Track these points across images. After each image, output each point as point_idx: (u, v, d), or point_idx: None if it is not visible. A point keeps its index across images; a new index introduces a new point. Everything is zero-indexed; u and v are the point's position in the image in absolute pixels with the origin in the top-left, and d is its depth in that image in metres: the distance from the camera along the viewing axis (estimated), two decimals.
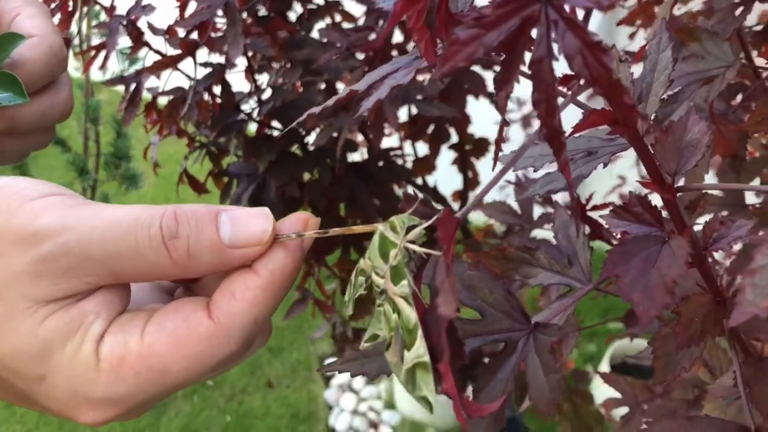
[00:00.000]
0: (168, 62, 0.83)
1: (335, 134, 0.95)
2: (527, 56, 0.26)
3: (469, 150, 1.18)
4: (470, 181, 1.20)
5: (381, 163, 1.07)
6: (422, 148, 1.23)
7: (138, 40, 0.90)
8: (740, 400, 0.46)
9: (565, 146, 0.23)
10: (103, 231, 0.33)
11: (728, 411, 0.47)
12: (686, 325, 0.37)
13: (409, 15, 0.30)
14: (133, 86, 0.90)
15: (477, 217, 1.52)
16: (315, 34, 1.32)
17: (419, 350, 0.27)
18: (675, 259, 0.32)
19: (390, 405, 2.10)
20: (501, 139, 0.26)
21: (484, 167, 1.29)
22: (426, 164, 1.18)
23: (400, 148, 1.21)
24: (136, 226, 0.34)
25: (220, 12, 0.84)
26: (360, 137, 1.18)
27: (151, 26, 0.92)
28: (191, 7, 0.88)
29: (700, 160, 0.31)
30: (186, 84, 0.98)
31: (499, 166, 0.28)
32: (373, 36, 1.01)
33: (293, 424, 2.08)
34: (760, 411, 0.38)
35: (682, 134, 0.32)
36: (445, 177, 1.25)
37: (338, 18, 1.28)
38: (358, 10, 1.31)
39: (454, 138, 1.17)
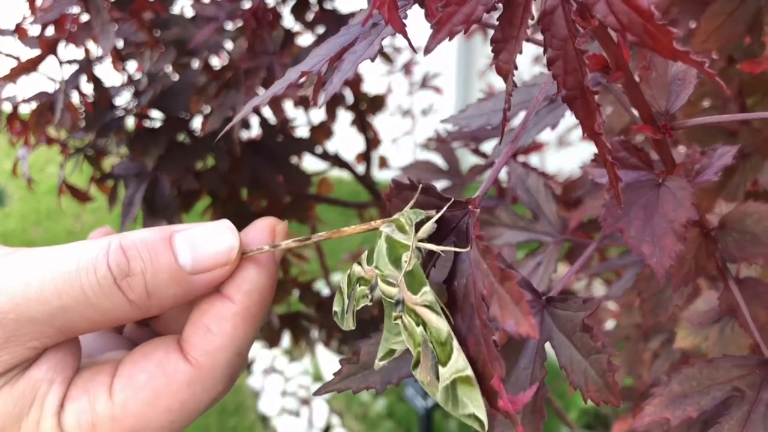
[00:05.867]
0: (28, 66, 0.73)
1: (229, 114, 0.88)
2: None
3: (366, 109, 1.14)
4: (372, 141, 1.16)
5: (280, 138, 1.02)
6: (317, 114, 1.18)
7: None
8: (719, 323, 0.46)
9: (597, 110, 0.20)
10: (41, 285, 0.27)
11: (707, 335, 0.47)
12: (680, 263, 0.35)
13: None
14: None
15: (383, 175, 1.49)
16: (176, 10, 1.23)
17: (458, 364, 0.23)
18: (679, 202, 0.30)
19: (318, 378, 2.08)
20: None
21: (381, 125, 1.25)
22: (323, 130, 1.13)
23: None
24: (79, 272, 0.28)
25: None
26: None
27: None
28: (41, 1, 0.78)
29: (692, 94, 0.29)
30: (47, 86, 0.88)
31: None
32: (248, 4, 0.93)
33: (222, 419, 2.02)
34: (756, 329, 0.38)
35: (666, 67, 0.30)
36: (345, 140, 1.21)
37: None
38: None
39: (350, 99, 1.12)
